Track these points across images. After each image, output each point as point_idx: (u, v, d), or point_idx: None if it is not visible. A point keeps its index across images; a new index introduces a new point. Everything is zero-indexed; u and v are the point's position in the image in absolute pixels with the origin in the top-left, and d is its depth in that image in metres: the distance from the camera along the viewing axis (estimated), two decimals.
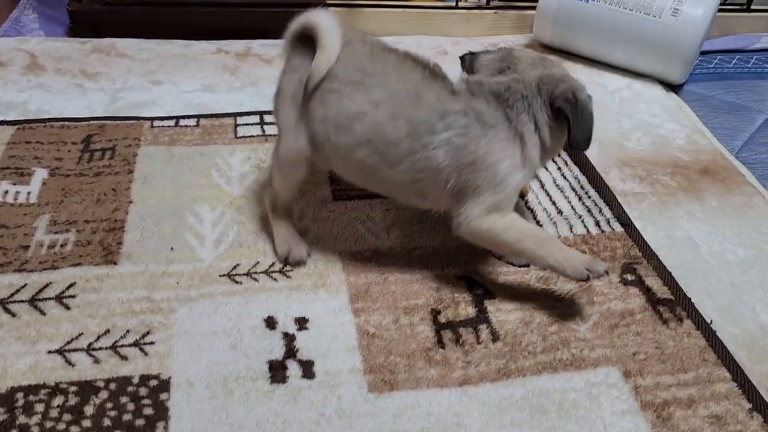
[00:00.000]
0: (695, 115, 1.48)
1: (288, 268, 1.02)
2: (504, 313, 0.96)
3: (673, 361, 0.91)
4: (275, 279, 1.00)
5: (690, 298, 1.00)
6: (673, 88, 1.58)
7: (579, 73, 1.58)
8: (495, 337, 0.93)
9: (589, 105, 0.91)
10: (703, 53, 1.71)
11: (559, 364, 0.90)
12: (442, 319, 0.95)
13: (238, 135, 1.31)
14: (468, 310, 0.96)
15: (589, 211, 1.17)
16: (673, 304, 0.99)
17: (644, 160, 1.32)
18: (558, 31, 1.64)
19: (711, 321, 0.97)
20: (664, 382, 0.88)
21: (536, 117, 0.90)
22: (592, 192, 1.21)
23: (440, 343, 0.92)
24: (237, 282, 0.99)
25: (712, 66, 1.70)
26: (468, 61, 1.00)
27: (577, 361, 0.90)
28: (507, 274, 1.03)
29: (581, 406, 0.85)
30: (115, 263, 1.01)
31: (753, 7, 1.83)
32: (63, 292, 0.96)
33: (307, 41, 0.94)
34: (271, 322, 0.93)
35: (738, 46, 1.77)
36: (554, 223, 1.13)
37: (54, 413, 0.80)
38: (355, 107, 0.90)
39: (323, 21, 0.92)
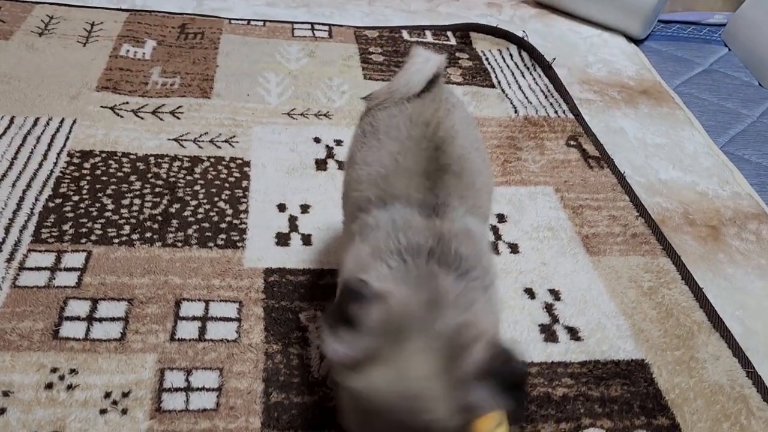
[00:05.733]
0: (647, 60, 1.89)
1: (332, 112, 1.43)
2: None
3: (591, 187, 1.32)
4: (320, 118, 1.41)
5: (613, 158, 1.41)
6: (636, 42, 1.99)
7: (561, 24, 2.00)
8: None
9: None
10: (664, 22, 2.12)
11: (512, 182, 1.31)
12: None
13: (294, 35, 1.73)
14: None
15: (551, 104, 1.57)
16: (600, 159, 1.40)
17: (599, 81, 1.73)
18: None
19: (624, 172, 1.37)
20: (581, 196, 1.29)
21: None
22: (556, 95, 1.62)
23: None
24: (293, 118, 1.41)
25: (670, 32, 2.10)
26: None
27: (525, 181, 1.31)
28: (485, 132, 1.44)
29: (523, 202, 1.25)
30: (209, 98, 1.43)
31: None
32: (174, 109, 1.38)
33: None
34: (317, 140, 1.34)
35: (695, 19, 2.18)
36: (525, 107, 1.54)
37: (174, 169, 1.22)
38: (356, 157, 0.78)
39: (422, 54, 0.81)
